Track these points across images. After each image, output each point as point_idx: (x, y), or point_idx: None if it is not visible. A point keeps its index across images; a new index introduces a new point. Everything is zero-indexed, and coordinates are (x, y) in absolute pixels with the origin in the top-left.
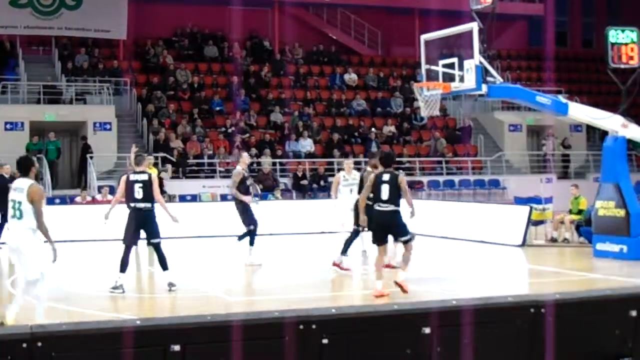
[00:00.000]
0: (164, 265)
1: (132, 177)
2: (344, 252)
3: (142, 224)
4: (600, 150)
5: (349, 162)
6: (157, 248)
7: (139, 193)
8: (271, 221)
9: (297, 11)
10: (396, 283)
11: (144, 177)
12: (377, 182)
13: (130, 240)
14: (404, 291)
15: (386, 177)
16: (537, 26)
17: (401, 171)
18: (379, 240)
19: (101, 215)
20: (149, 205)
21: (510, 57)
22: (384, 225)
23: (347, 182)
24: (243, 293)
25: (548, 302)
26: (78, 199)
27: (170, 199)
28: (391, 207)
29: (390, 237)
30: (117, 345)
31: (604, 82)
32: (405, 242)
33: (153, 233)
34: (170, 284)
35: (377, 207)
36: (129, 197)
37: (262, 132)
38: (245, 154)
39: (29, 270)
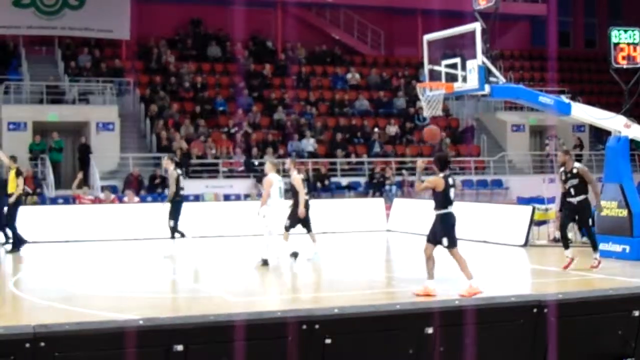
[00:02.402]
0: None
1: None
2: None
3: None
4: (603, 151)
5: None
6: None
7: None
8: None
9: (300, 11)
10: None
11: None
12: (447, 185)
13: None
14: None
15: (452, 180)
16: (539, 26)
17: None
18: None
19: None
20: None
21: (513, 57)
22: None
23: (279, 183)
24: (245, 293)
25: (550, 302)
26: (79, 192)
27: None
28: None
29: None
30: (120, 345)
31: (607, 82)
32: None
33: None
34: None
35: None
36: None
37: (265, 132)
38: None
39: None
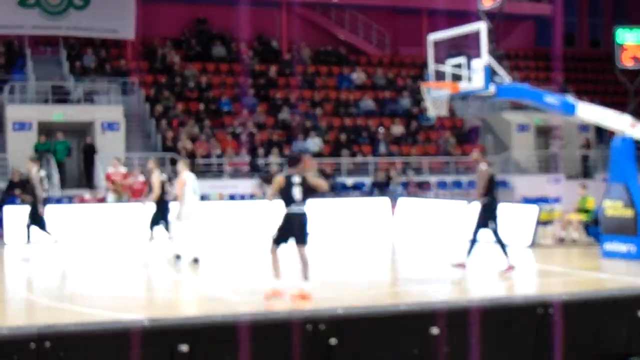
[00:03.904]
0: None
1: None
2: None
3: None
4: (608, 150)
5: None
6: None
7: None
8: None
9: (305, 11)
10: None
11: None
12: (288, 184)
13: None
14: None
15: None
16: (544, 26)
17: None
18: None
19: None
20: None
21: (518, 57)
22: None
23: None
24: (250, 293)
25: (556, 302)
26: (87, 196)
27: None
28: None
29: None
30: (125, 345)
31: (612, 82)
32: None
33: None
34: None
35: (296, 208)
36: None
37: (269, 132)
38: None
39: None
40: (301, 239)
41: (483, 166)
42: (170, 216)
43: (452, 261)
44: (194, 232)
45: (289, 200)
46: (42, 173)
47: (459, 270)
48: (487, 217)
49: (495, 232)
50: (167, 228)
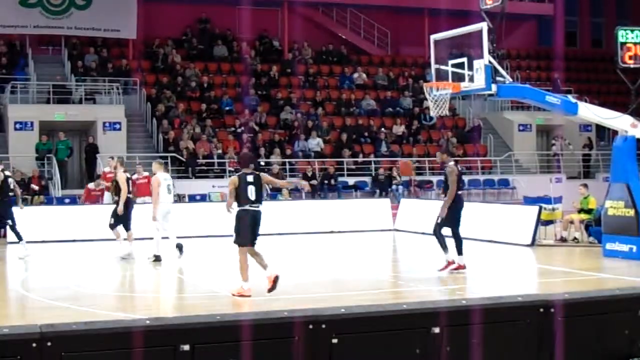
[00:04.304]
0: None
1: None
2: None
3: None
4: (610, 150)
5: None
6: None
7: None
8: (280, 221)
9: (306, 11)
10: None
11: None
12: (243, 183)
13: None
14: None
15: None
16: (546, 26)
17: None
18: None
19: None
20: None
21: (520, 56)
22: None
23: (167, 181)
24: (252, 293)
25: (557, 301)
26: (91, 186)
27: (180, 198)
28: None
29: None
30: (127, 345)
31: (614, 82)
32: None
33: None
34: None
35: (251, 207)
36: None
37: (271, 132)
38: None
39: None
40: (248, 239)
41: (451, 164)
42: (132, 215)
43: (439, 266)
44: (170, 231)
45: (244, 199)
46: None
47: (460, 270)
48: (452, 214)
49: (455, 229)
50: (127, 227)
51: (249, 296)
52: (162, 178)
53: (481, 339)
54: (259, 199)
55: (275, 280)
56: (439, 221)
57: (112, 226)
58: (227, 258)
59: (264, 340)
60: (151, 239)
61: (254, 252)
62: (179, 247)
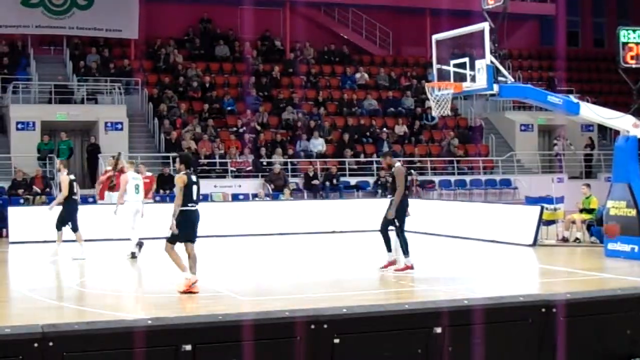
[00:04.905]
0: None
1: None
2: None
3: None
4: (612, 150)
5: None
6: None
7: None
8: (282, 221)
9: (308, 11)
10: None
11: None
12: (190, 183)
13: None
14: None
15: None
16: (548, 26)
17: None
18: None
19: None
20: None
21: (522, 56)
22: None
23: (136, 180)
24: (254, 293)
25: (559, 301)
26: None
27: None
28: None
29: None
30: (129, 345)
31: (615, 82)
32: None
33: None
34: None
35: (194, 207)
36: None
37: (273, 132)
38: None
39: None
40: (194, 237)
41: (397, 165)
42: (77, 216)
43: (381, 264)
44: (137, 229)
45: (189, 198)
46: None
47: (409, 271)
48: (397, 214)
49: (399, 229)
50: (74, 228)
51: (196, 281)
52: (131, 177)
53: (483, 339)
54: (198, 199)
55: (192, 285)
56: (397, 224)
57: (58, 227)
58: (228, 258)
59: (266, 340)
60: (129, 239)
61: (193, 250)
62: (139, 245)
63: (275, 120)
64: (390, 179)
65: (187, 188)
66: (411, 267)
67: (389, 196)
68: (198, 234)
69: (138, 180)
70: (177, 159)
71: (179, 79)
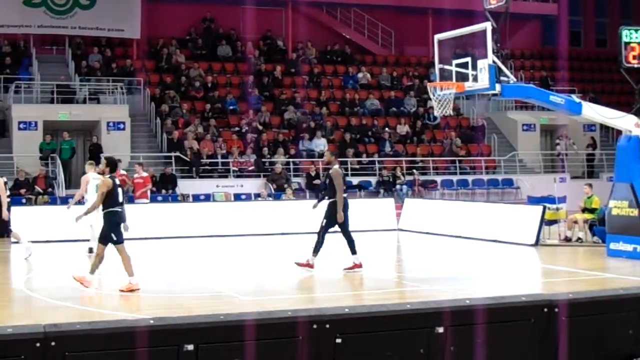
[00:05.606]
0: None
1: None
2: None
3: None
4: (614, 150)
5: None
6: None
7: None
8: (284, 220)
9: (310, 11)
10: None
11: None
12: (115, 186)
13: None
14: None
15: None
16: (550, 26)
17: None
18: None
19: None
20: None
21: (524, 56)
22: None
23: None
24: (256, 292)
25: (561, 301)
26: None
27: (184, 198)
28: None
29: None
30: (131, 344)
31: (618, 82)
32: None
33: None
34: None
35: (120, 209)
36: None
37: (275, 132)
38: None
39: None
40: (122, 239)
41: (335, 167)
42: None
43: (297, 260)
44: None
45: (114, 201)
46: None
47: (308, 269)
48: (335, 215)
49: (345, 228)
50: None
51: (139, 289)
52: (92, 177)
53: (485, 338)
54: (123, 201)
55: (131, 290)
56: (323, 223)
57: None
58: (230, 258)
59: (268, 340)
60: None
61: (124, 252)
62: (90, 250)
63: (277, 120)
64: (327, 180)
65: (113, 190)
66: (360, 266)
67: (325, 198)
68: (199, 234)
69: (98, 181)
70: (104, 162)
71: (181, 78)
